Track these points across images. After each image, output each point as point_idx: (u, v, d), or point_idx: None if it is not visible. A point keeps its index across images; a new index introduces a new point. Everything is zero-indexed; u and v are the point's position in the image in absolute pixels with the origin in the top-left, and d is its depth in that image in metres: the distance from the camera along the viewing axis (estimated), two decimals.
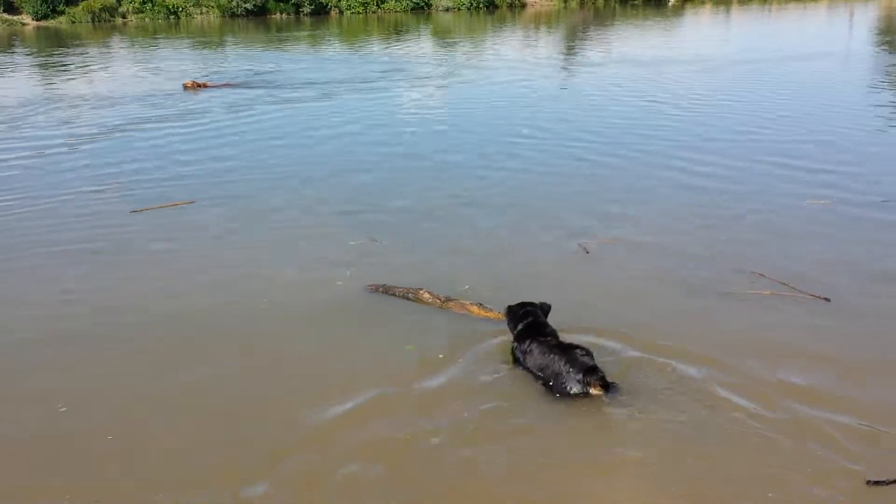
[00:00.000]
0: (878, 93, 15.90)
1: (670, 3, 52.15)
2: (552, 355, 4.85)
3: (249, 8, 41.91)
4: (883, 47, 26.31)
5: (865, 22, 38.66)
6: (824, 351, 5.19)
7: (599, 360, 4.84)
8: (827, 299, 5.92)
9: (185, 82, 17.59)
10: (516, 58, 23.18)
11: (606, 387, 4.67)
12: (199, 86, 17.25)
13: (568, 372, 4.72)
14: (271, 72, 20.17)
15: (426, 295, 6.06)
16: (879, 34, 32.07)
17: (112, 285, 6.58)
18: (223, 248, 7.38)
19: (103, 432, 4.52)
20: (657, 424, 4.42)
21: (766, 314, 5.73)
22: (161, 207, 8.56)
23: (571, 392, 4.68)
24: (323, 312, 5.95)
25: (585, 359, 4.77)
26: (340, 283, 6.44)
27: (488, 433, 4.43)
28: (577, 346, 4.91)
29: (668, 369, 4.92)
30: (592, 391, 4.66)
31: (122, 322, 5.89)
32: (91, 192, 9.34)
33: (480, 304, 5.89)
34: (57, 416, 4.68)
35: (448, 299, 6.00)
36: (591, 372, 4.70)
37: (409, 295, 6.12)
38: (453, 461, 4.22)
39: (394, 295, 6.17)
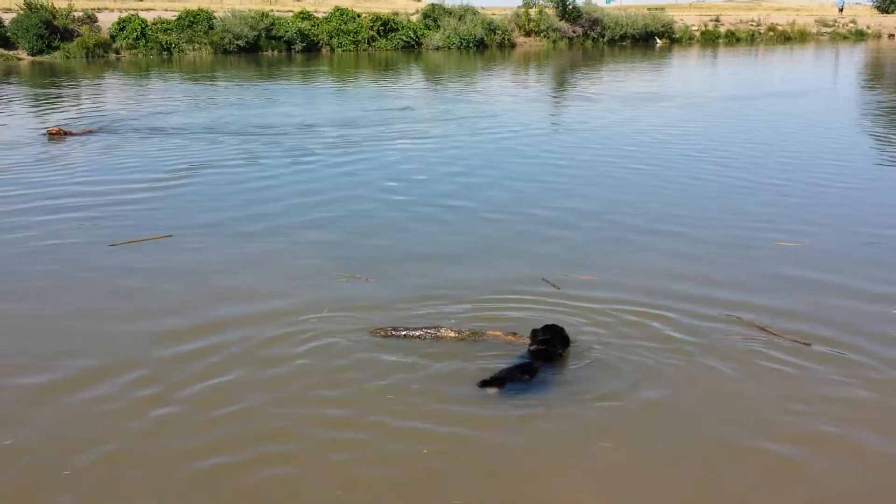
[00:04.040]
0: (860, 133, 16.10)
1: (658, 45, 52.74)
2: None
3: (241, 45, 42.16)
4: (868, 88, 26.67)
5: (852, 64, 39.22)
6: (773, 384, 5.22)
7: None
8: (807, 344, 5.95)
9: (49, 129, 15.66)
10: (507, 95, 23.37)
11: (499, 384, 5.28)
12: (64, 133, 15.39)
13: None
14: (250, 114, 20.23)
15: (450, 332, 6.02)
16: (865, 75, 32.53)
17: None
18: None
19: None
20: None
21: (743, 357, 5.76)
22: None
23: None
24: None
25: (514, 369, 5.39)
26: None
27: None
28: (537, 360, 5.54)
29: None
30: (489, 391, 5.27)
31: None
32: None
33: (514, 333, 5.97)
34: None
35: (474, 332, 6.01)
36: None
37: (426, 334, 6.03)
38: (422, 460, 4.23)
39: (404, 337, 6.06)
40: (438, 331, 6.06)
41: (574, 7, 52.50)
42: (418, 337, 6.03)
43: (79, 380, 5.60)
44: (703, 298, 6.80)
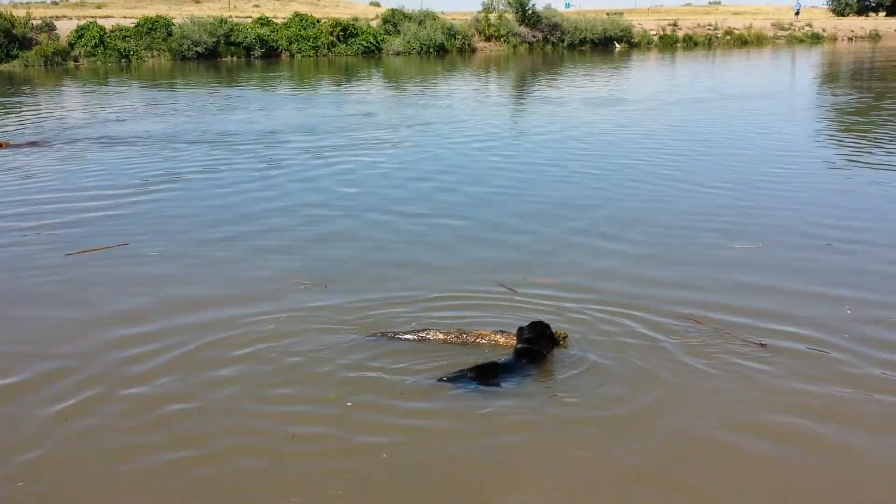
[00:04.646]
0: (815, 135, 16.36)
1: (617, 50, 53.21)
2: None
3: (200, 51, 41.84)
4: (824, 90, 27.13)
5: (808, 66, 39.89)
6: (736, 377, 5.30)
7: None
8: (763, 344, 6.03)
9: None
10: (468, 100, 23.41)
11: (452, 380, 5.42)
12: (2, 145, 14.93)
13: None
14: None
15: (439, 335, 6.06)
16: (820, 78, 33.09)
17: None
18: None
19: None
20: None
21: (701, 358, 5.81)
22: None
23: None
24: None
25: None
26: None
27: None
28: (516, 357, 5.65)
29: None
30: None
31: None
32: None
33: (502, 332, 6.02)
34: None
35: (462, 332, 6.06)
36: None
37: (416, 337, 6.08)
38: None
39: (397, 338, 6.10)
40: (428, 333, 6.11)
41: (534, 12, 52.78)
42: (409, 339, 6.08)
43: (31, 383, 5.60)
44: (661, 300, 6.84)
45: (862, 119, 18.74)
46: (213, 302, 7.01)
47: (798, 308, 6.71)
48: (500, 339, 6.00)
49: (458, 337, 6.05)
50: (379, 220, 9.69)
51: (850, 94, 24.61)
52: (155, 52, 41.92)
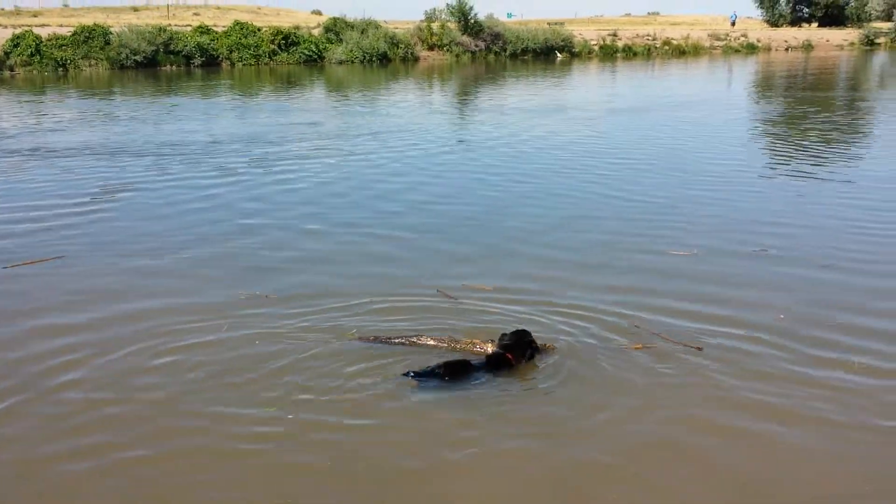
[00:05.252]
0: (749, 143, 16.77)
1: (558, 59, 53.80)
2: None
3: (139, 60, 41.24)
4: (758, 99, 27.80)
5: (743, 76, 40.79)
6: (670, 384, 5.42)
7: None
8: (699, 348, 6.15)
9: None
10: (412, 108, 23.46)
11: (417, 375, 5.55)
12: None
13: None
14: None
15: (430, 340, 6.13)
16: (755, 87, 33.88)
17: None
18: None
19: None
20: None
21: (640, 363, 5.92)
22: None
23: None
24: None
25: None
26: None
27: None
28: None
29: None
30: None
31: None
32: None
33: (492, 341, 6.03)
34: None
35: (454, 340, 6.12)
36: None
37: (407, 342, 6.14)
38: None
39: (389, 343, 6.15)
40: (419, 338, 6.17)
41: (476, 21, 53.13)
42: (399, 343, 6.15)
43: None
44: (598, 307, 6.93)
45: (794, 128, 19.21)
46: (148, 313, 6.92)
47: (732, 312, 6.86)
48: (490, 348, 6.05)
49: (449, 343, 6.12)
50: (320, 230, 9.67)
51: (783, 104, 25.25)
52: (92, 61, 41.21)
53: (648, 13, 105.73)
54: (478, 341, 6.12)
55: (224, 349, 6.20)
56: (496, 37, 53.72)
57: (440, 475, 4.64)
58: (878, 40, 68.06)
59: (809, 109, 22.56)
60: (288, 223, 10.01)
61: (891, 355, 6.09)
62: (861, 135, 18.37)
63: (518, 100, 26.45)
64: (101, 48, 41.48)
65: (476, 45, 52.66)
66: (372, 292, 7.33)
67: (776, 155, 15.28)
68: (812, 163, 14.06)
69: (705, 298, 7.19)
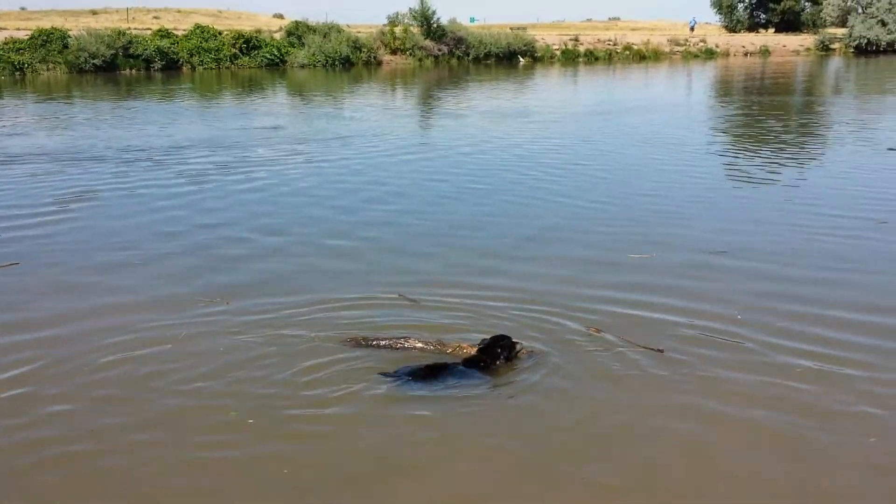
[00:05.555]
0: (707, 146, 17.00)
1: (521, 63, 54.06)
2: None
3: (98, 64, 40.79)
4: (716, 104, 28.18)
5: (703, 81, 41.31)
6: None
7: None
8: (660, 350, 6.24)
9: None
10: (375, 112, 23.45)
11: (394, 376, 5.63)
12: None
13: None
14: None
15: (417, 343, 6.17)
16: (713, 91, 34.34)
17: None
18: None
19: None
20: None
21: (604, 366, 5.99)
22: None
23: None
24: None
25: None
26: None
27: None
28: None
29: None
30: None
31: None
32: None
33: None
34: None
35: (441, 342, 6.16)
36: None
37: (395, 345, 6.17)
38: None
39: (375, 346, 6.17)
40: (407, 341, 6.21)
41: (438, 26, 53.23)
42: (387, 346, 6.19)
43: None
44: (558, 311, 6.96)
45: (750, 132, 19.52)
46: (105, 317, 6.89)
47: (691, 314, 6.96)
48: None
49: (436, 347, 6.16)
50: (280, 234, 9.66)
51: (741, 109, 25.60)
52: (51, 65, 40.68)
53: (609, 18, 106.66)
54: (465, 345, 6.14)
55: (182, 353, 6.16)
56: (459, 41, 53.86)
57: (398, 477, 4.66)
58: (832, 46, 69.31)
59: (767, 114, 22.90)
60: (248, 227, 9.96)
61: (839, 357, 6.19)
62: (814, 138, 18.75)
63: (481, 104, 26.55)
64: (60, 52, 40.97)
65: (439, 50, 52.76)
66: (331, 295, 7.34)
67: (733, 159, 15.50)
68: (766, 167, 14.28)
69: (665, 301, 7.26)
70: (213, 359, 6.07)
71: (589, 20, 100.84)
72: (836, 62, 57.87)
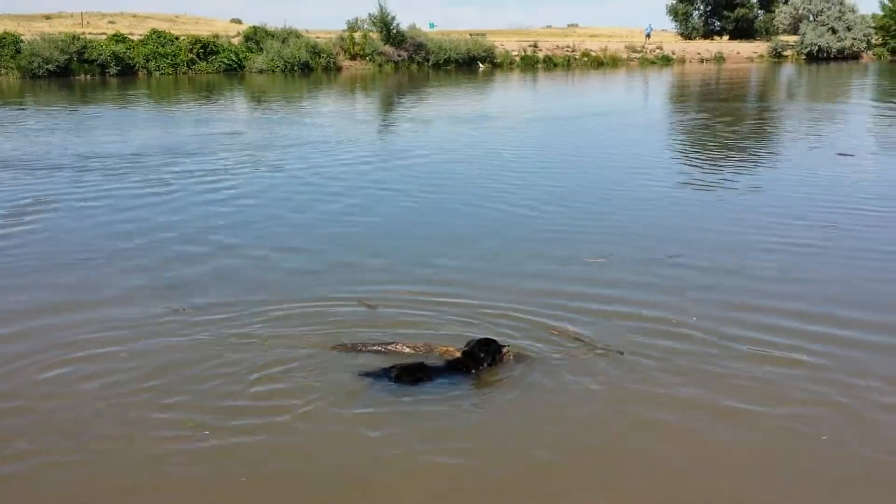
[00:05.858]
0: (663, 152, 17.25)
1: (480, 69, 54.29)
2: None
3: (52, 69, 40.22)
4: (672, 110, 28.55)
5: (659, 87, 41.81)
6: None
7: None
8: (621, 352, 6.32)
9: None
10: (334, 118, 23.40)
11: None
12: None
13: None
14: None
15: (405, 348, 6.18)
16: (670, 98, 34.78)
17: None
18: None
19: None
20: None
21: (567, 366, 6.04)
22: None
23: None
24: None
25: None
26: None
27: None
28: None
29: None
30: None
31: None
32: None
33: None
34: None
35: (429, 345, 6.20)
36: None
37: (384, 349, 6.18)
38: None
39: (365, 351, 6.18)
40: (396, 345, 6.23)
41: (398, 31, 53.30)
42: (375, 351, 6.20)
43: None
44: (516, 315, 7.01)
45: (704, 138, 19.79)
46: (60, 327, 6.81)
47: (649, 315, 7.05)
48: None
49: (426, 351, 6.19)
50: (237, 241, 9.60)
51: (697, 114, 25.93)
52: (3, 70, 40.11)
53: (568, 25, 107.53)
54: (452, 349, 6.15)
55: (140, 362, 6.11)
56: (419, 47, 53.97)
57: (356, 492, 4.63)
58: (785, 53, 70.52)
59: (721, 120, 23.24)
60: (206, 235, 9.88)
61: (791, 346, 6.39)
62: (766, 143, 19.09)
63: (440, 109, 26.64)
64: (12, 57, 40.39)
65: (399, 55, 52.82)
66: (288, 301, 7.34)
67: (687, 164, 15.73)
68: (720, 172, 14.49)
69: (622, 303, 7.36)
70: (172, 368, 6.02)
71: (548, 27, 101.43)
72: (788, 69, 58.93)
